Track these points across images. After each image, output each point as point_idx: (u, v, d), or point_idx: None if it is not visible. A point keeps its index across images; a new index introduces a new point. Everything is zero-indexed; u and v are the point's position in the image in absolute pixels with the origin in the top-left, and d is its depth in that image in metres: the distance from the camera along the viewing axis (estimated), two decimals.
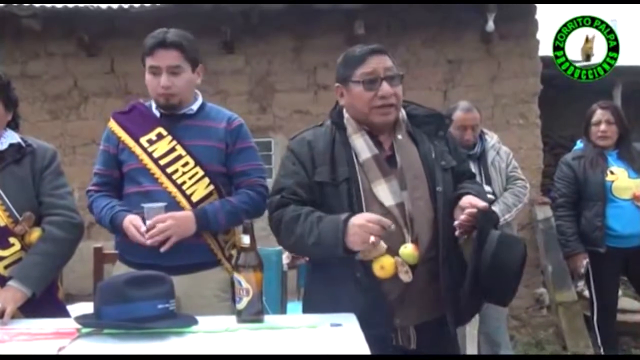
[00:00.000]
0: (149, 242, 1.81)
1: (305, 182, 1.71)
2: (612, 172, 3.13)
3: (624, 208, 3.09)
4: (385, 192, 1.68)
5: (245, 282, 1.55)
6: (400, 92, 1.74)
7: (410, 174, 1.71)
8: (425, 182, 1.71)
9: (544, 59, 5.37)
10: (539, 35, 5.40)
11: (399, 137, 1.76)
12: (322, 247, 1.60)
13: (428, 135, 1.80)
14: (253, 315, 1.57)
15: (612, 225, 3.10)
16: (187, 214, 1.89)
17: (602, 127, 3.17)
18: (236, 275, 1.57)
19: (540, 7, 5.32)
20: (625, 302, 4.01)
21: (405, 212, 1.67)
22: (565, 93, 6.04)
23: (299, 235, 1.63)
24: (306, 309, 1.84)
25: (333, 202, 1.68)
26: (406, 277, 1.63)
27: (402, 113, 1.81)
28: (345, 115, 1.80)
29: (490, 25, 5.02)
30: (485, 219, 1.63)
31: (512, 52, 5.34)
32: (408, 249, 1.63)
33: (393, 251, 1.63)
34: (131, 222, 1.85)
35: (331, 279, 1.73)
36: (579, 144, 3.33)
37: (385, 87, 1.70)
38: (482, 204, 1.62)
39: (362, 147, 1.73)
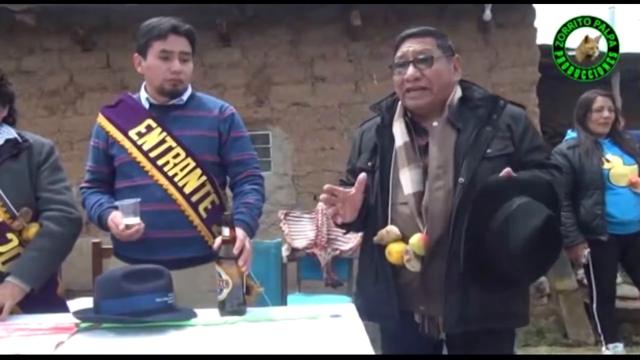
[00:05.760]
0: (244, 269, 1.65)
1: (354, 169, 1.82)
2: (607, 160, 3.13)
3: (621, 195, 3.10)
4: (406, 179, 1.66)
5: (224, 274, 1.56)
6: (435, 74, 1.67)
7: (435, 163, 1.63)
8: (452, 172, 1.61)
9: (543, 48, 5.34)
10: (536, 24, 5.38)
11: (435, 124, 1.68)
12: None
13: (480, 119, 1.66)
14: (235, 306, 1.58)
15: (612, 212, 3.11)
16: (244, 234, 1.72)
17: (605, 113, 3.17)
18: (217, 267, 1.58)
19: None
20: (625, 289, 4.01)
21: (421, 201, 1.63)
22: (564, 82, 6.01)
23: None
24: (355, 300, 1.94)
25: (369, 188, 1.70)
26: (409, 266, 1.62)
27: (455, 96, 1.72)
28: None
29: (488, 14, 4.99)
30: (511, 185, 1.53)
31: (509, 41, 5.31)
32: (414, 239, 1.62)
33: (407, 239, 1.64)
34: (112, 220, 1.84)
35: (361, 266, 1.87)
36: (571, 134, 3.32)
37: (408, 70, 1.67)
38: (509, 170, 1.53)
39: (397, 133, 1.72)
